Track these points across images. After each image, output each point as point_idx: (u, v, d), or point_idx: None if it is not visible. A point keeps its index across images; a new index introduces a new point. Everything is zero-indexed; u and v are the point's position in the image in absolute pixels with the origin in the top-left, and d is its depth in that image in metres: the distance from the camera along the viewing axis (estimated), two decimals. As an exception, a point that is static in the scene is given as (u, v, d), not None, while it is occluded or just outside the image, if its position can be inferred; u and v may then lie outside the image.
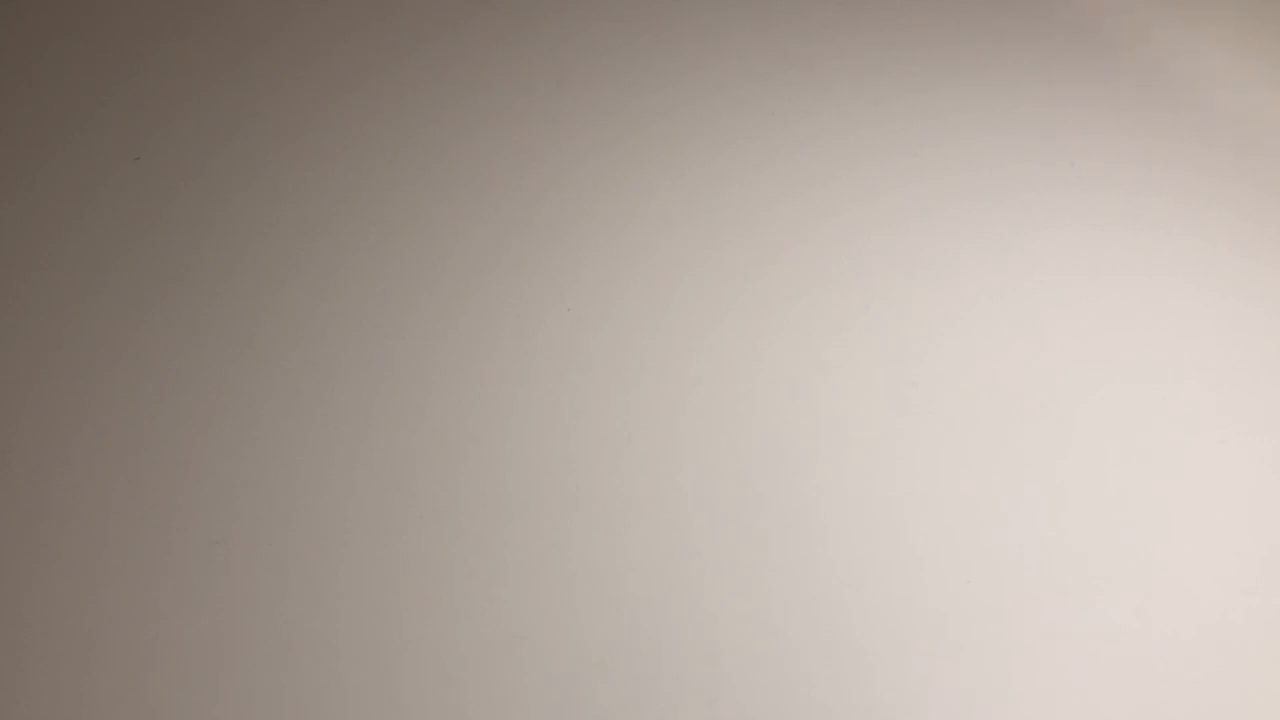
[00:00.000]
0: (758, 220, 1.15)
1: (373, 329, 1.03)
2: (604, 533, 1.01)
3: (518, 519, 1.00)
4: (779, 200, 1.16)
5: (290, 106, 1.09)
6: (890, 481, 1.08)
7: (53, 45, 1.06)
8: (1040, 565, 1.08)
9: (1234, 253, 1.25)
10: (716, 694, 0.99)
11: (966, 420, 1.12)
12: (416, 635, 0.95)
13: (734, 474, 1.06)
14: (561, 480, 1.02)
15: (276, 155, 1.07)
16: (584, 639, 0.98)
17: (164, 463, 0.96)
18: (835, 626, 1.03)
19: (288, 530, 0.96)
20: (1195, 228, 1.25)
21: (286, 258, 1.04)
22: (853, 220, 1.18)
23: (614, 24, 1.19)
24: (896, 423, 1.10)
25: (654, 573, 1.01)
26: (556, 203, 1.11)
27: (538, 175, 1.12)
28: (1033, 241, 1.21)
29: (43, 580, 0.91)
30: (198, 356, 0.99)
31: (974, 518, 1.08)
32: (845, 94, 1.23)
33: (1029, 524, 1.09)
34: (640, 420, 1.05)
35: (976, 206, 1.21)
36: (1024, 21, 1.31)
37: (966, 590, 1.06)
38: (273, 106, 1.08)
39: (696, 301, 1.11)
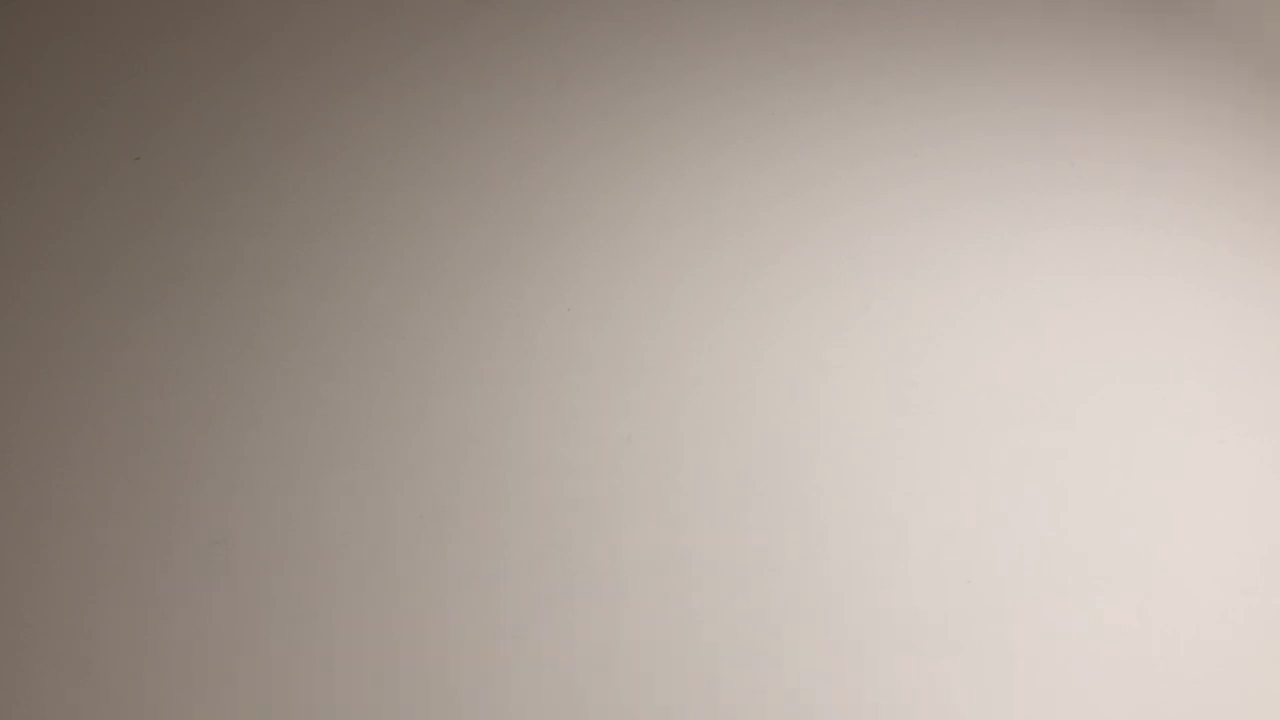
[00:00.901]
0: (758, 220, 1.15)
1: (373, 329, 1.03)
2: (604, 533, 1.01)
3: (518, 519, 1.00)
4: (779, 200, 1.16)
5: (290, 106, 1.09)
6: (890, 481, 1.08)
7: (53, 45, 1.06)
8: (1040, 565, 1.08)
9: (1234, 253, 1.25)
10: (716, 694, 0.99)
11: (966, 420, 1.12)
12: (416, 635, 0.95)
13: (734, 474, 1.06)
14: (561, 480, 1.02)
15: (276, 155, 1.07)
16: (584, 639, 0.98)
17: (164, 463, 0.96)
18: (835, 626, 1.03)
19: (288, 530, 0.96)
20: (1195, 228, 1.26)
21: (286, 258, 1.04)
22: (853, 220, 1.18)
23: (614, 24, 1.19)
24: (896, 423, 1.10)
25: (654, 573, 1.01)
26: (556, 203, 1.11)
27: (538, 175, 1.12)
28: (1033, 241, 1.21)
29: (43, 580, 0.91)
30: (198, 356, 0.99)
31: (974, 518, 1.08)
32: (845, 94, 1.23)
33: (1029, 524, 1.09)
34: (640, 420, 1.05)
35: (976, 206, 1.21)
36: (1023, 21, 1.31)
37: (966, 590, 1.06)
38: (273, 106, 1.08)
39: (696, 301, 1.11)
